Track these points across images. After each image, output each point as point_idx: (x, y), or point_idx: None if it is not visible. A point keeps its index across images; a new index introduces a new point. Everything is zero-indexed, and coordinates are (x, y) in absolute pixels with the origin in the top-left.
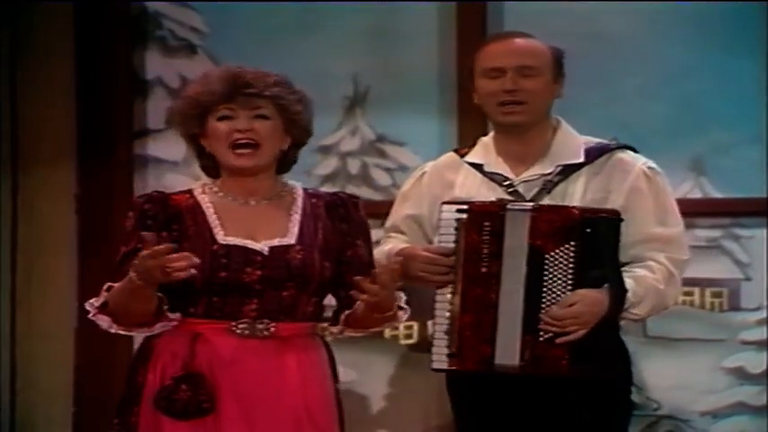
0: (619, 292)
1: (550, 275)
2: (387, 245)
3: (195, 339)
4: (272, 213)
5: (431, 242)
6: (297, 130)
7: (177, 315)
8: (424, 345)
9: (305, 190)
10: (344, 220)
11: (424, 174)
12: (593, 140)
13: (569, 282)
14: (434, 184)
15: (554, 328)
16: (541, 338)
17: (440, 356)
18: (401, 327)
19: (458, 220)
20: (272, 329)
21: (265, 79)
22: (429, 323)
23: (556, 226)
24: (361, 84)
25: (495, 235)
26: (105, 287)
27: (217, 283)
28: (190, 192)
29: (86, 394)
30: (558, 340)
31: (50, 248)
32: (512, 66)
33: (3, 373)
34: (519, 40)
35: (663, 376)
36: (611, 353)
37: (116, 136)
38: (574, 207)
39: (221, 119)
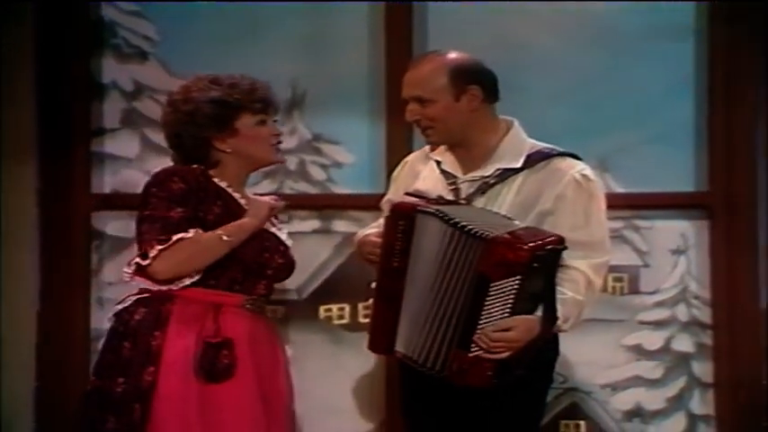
0: (551, 317)
1: (492, 301)
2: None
3: (218, 309)
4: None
5: None
6: None
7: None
8: (355, 325)
9: None
10: None
11: (406, 163)
12: (540, 145)
13: (507, 309)
14: (407, 175)
15: (485, 347)
16: (471, 354)
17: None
18: (334, 308)
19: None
20: (265, 307)
21: None
22: (360, 305)
23: (506, 259)
24: (299, 87)
25: (407, 234)
26: (156, 251)
27: (260, 262)
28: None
29: (47, 370)
30: (487, 356)
31: (13, 239)
32: (408, 96)
33: None
34: (413, 70)
35: (569, 353)
36: (534, 359)
37: (75, 134)
38: (526, 243)
39: (260, 123)
